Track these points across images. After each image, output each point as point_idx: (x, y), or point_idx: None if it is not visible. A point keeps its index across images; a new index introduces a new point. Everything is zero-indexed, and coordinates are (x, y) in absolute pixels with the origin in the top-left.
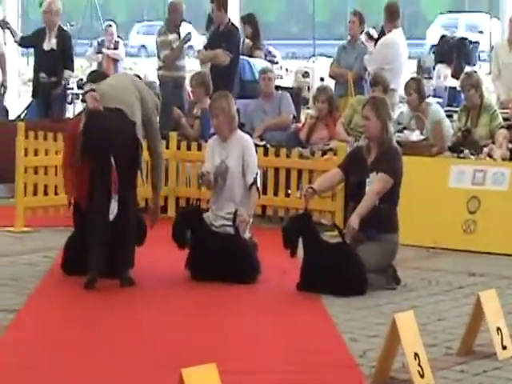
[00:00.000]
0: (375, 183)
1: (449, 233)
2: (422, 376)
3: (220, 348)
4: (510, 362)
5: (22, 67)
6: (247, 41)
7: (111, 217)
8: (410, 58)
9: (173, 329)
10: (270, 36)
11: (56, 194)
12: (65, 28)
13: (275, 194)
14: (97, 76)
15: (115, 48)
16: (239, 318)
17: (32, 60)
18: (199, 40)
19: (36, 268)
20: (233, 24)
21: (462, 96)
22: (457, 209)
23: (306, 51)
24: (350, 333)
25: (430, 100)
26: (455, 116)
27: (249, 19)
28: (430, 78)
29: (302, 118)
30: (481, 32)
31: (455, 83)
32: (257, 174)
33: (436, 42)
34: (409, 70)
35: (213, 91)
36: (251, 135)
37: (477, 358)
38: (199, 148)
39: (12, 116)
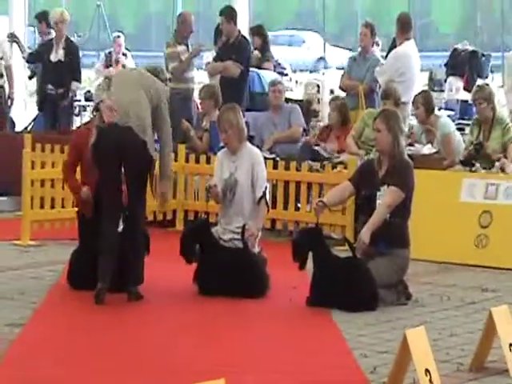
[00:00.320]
0: (386, 197)
1: (460, 248)
2: None
3: (228, 363)
4: None
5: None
6: (256, 52)
7: (119, 229)
8: (421, 70)
9: (181, 344)
10: None
11: (63, 207)
12: (72, 39)
13: (285, 207)
14: None
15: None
16: (248, 334)
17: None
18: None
19: (42, 282)
20: (243, 36)
21: (474, 109)
22: (469, 223)
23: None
24: (361, 349)
25: (441, 113)
26: (467, 129)
27: (258, 31)
28: (442, 90)
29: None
30: None
31: (467, 96)
32: (266, 187)
33: None
34: (420, 82)
35: (222, 103)
36: (260, 148)
37: (489, 374)
38: (208, 161)
39: (18, 128)
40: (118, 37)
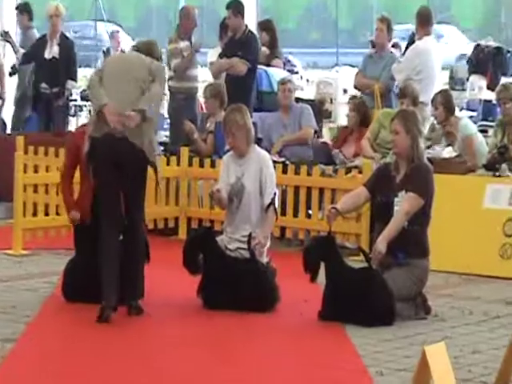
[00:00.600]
0: (404, 203)
1: (484, 258)
2: None
3: (236, 380)
4: None
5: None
6: (264, 49)
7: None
8: (442, 68)
9: (184, 361)
10: (289, 44)
11: (57, 214)
12: (67, 35)
13: (295, 214)
14: None
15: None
16: (256, 350)
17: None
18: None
19: (36, 294)
20: (250, 31)
21: (498, 109)
22: (492, 232)
23: (329, 60)
24: (377, 366)
25: (462, 114)
26: (490, 131)
27: (266, 26)
28: (464, 89)
29: (324, 132)
30: None
31: (490, 95)
32: (275, 193)
33: None
34: (441, 81)
35: (228, 103)
36: (269, 151)
37: None
38: (213, 165)
39: (10, 129)
40: (117, 32)
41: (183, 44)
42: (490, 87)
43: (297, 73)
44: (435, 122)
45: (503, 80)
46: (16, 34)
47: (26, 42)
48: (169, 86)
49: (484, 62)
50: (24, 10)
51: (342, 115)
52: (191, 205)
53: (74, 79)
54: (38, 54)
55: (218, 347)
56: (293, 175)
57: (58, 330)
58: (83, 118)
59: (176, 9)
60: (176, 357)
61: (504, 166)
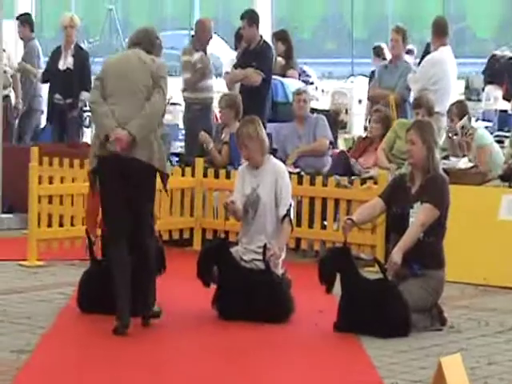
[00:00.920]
0: (420, 214)
1: (500, 269)
2: None
3: None
4: None
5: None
6: (279, 59)
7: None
8: (457, 78)
9: (199, 371)
10: (305, 54)
11: (72, 224)
12: (82, 46)
13: (310, 225)
14: None
15: None
16: (271, 362)
17: None
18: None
19: (50, 305)
20: (265, 41)
21: None
22: (508, 243)
23: (344, 70)
24: (392, 377)
25: (478, 124)
26: (506, 142)
27: (281, 36)
28: (479, 100)
29: (340, 142)
30: None
31: (507, 106)
32: (290, 205)
33: None
34: (456, 91)
35: (243, 114)
36: (284, 162)
37: None
38: (228, 176)
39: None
40: None
41: (197, 56)
42: (506, 98)
43: (312, 83)
44: (450, 134)
45: None
46: (16, 45)
47: (27, 53)
48: (184, 97)
49: (500, 72)
50: (25, 21)
51: (356, 125)
52: (206, 216)
53: (88, 90)
54: (52, 66)
55: (233, 358)
56: (308, 186)
57: (73, 341)
58: None
59: (191, 19)
60: (191, 367)
61: None
